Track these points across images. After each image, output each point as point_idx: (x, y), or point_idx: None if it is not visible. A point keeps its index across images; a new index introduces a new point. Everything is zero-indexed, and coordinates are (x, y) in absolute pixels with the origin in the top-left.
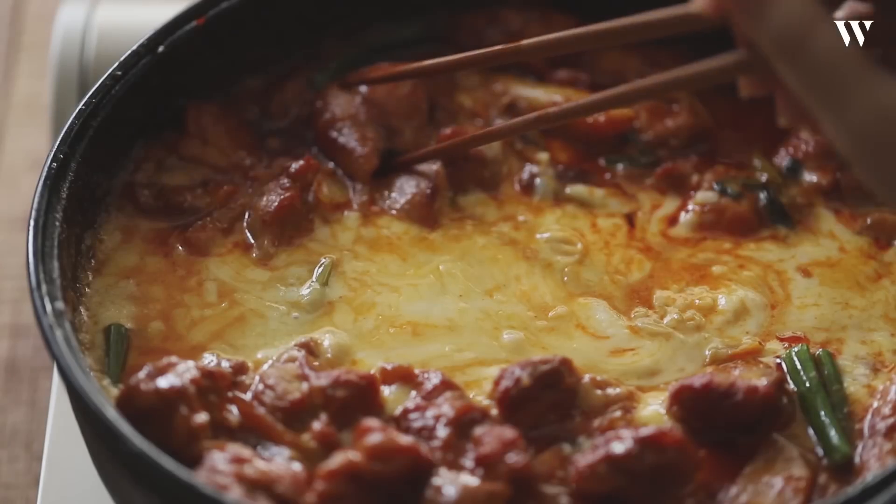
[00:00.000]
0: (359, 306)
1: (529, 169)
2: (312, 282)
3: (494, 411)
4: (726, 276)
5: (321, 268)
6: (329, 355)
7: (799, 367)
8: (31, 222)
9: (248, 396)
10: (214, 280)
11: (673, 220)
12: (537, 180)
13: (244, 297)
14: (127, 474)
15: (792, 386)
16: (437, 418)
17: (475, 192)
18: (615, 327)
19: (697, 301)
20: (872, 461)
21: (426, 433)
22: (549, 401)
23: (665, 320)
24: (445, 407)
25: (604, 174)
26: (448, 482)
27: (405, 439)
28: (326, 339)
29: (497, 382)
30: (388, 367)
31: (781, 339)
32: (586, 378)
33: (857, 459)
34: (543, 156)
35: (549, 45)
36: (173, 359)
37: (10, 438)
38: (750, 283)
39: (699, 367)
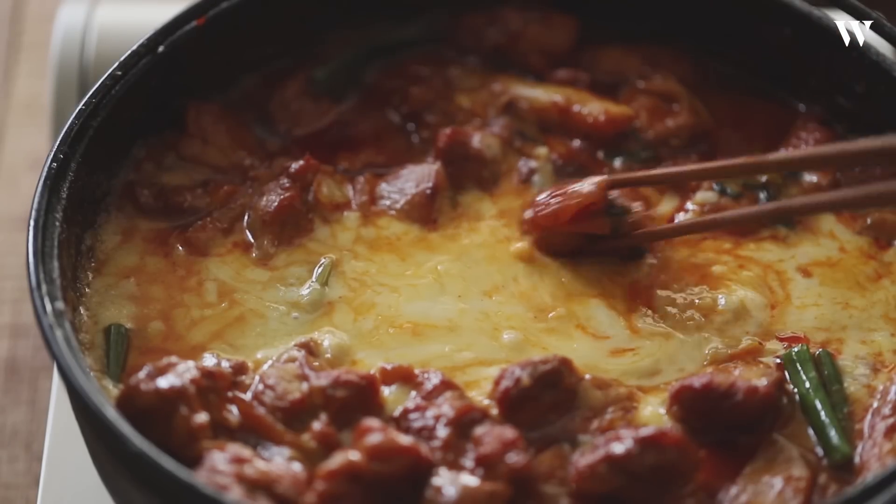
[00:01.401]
0: (358, 306)
1: (528, 164)
2: (312, 282)
3: (494, 411)
4: (726, 277)
5: (321, 268)
6: (329, 355)
7: (799, 367)
8: (31, 222)
9: (248, 396)
10: (214, 280)
11: (670, 221)
12: (535, 176)
13: (244, 297)
14: (127, 474)
15: (792, 386)
16: (437, 418)
17: (475, 191)
18: (615, 328)
19: (697, 301)
20: (872, 461)
21: (426, 433)
22: (549, 401)
23: (665, 320)
24: (445, 407)
25: (602, 169)
26: (448, 482)
27: (405, 439)
28: (326, 340)
29: (497, 382)
30: (388, 367)
31: (781, 339)
32: (587, 377)
33: (857, 459)
34: (542, 150)
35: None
36: (173, 359)
37: (10, 438)
38: (750, 283)
39: (699, 367)
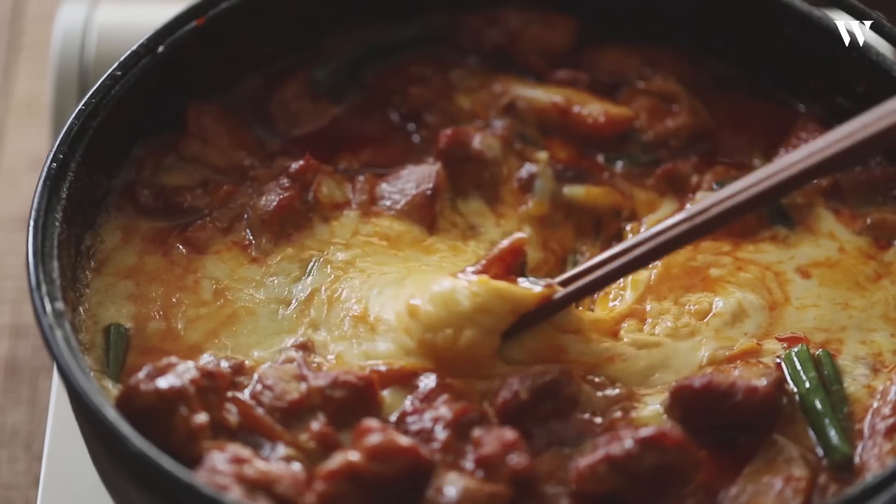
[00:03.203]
0: (330, 296)
1: (528, 168)
2: (304, 279)
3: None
4: (724, 279)
5: (312, 264)
6: (315, 353)
7: (799, 367)
8: (31, 222)
9: (246, 396)
10: (210, 278)
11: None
12: (536, 182)
13: (236, 294)
14: (127, 474)
15: (792, 386)
16: (435, 420)
17: (475, 196)
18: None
19: (694, 307)
20: (872, 461)
21: (425, 436)
22: (548, 410)
23: (657, 329)
24: (443, 409)
25: (602, 173)
26: (448, 483)
27: (405, 439)
28: (312, 336)
29: (496, 394)
30: (384, 369)
31: (781, 340)
32: (588, 378)
33: (857, 459)
34: (543, 155)
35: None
36: (173, 359)
37: (10, 438)
38: (748, 284)
39: (696, 369)
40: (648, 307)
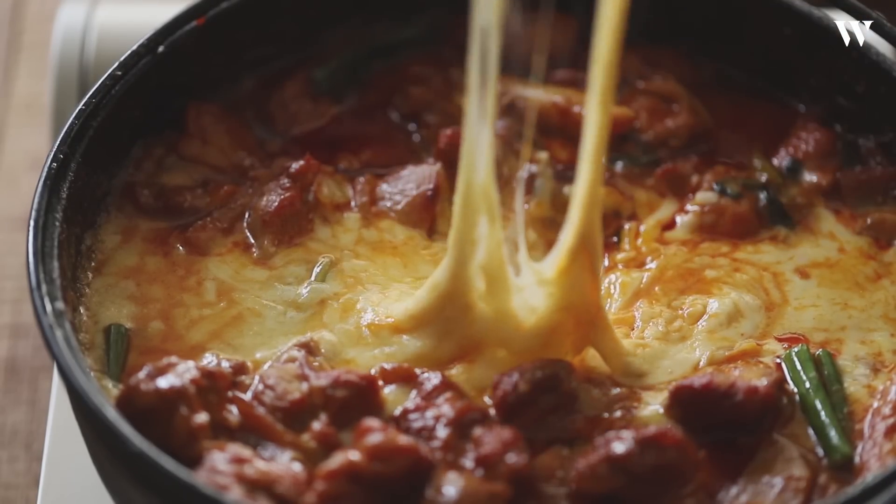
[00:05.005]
0: (345, 304)
1: (529, 168)
2: (311, 281)
3: (494, 411)
4: (720, 280)
5: (320, 267)
6: (322, 355)
7: (799, 367)
8: (31, 222)
9: (248, 396)
10: (213, 279)
11: (669, 226)
12: (536, 182)
13: (242, 296)
14: (127, 474)
15: (792, 386)
16: (436, 418)
17: None
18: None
19: (688, 309)
20: (872, 461)
21: (426, 433)
22: (548, 405)
23: (646, 333)
24: (445, 407)
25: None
26: (448, 482)
27: (405, 439)
28: (321, 338)
29: (495, 387)
30: (388, 366)
31: (780, 340)
32: (589, 377)
33: (857, 459)
34: (543, 155)
35: None
36: (173, 359)
37: (10, 438)
38: (744, 285)
39: (691, 370)
40: (639, 312)
